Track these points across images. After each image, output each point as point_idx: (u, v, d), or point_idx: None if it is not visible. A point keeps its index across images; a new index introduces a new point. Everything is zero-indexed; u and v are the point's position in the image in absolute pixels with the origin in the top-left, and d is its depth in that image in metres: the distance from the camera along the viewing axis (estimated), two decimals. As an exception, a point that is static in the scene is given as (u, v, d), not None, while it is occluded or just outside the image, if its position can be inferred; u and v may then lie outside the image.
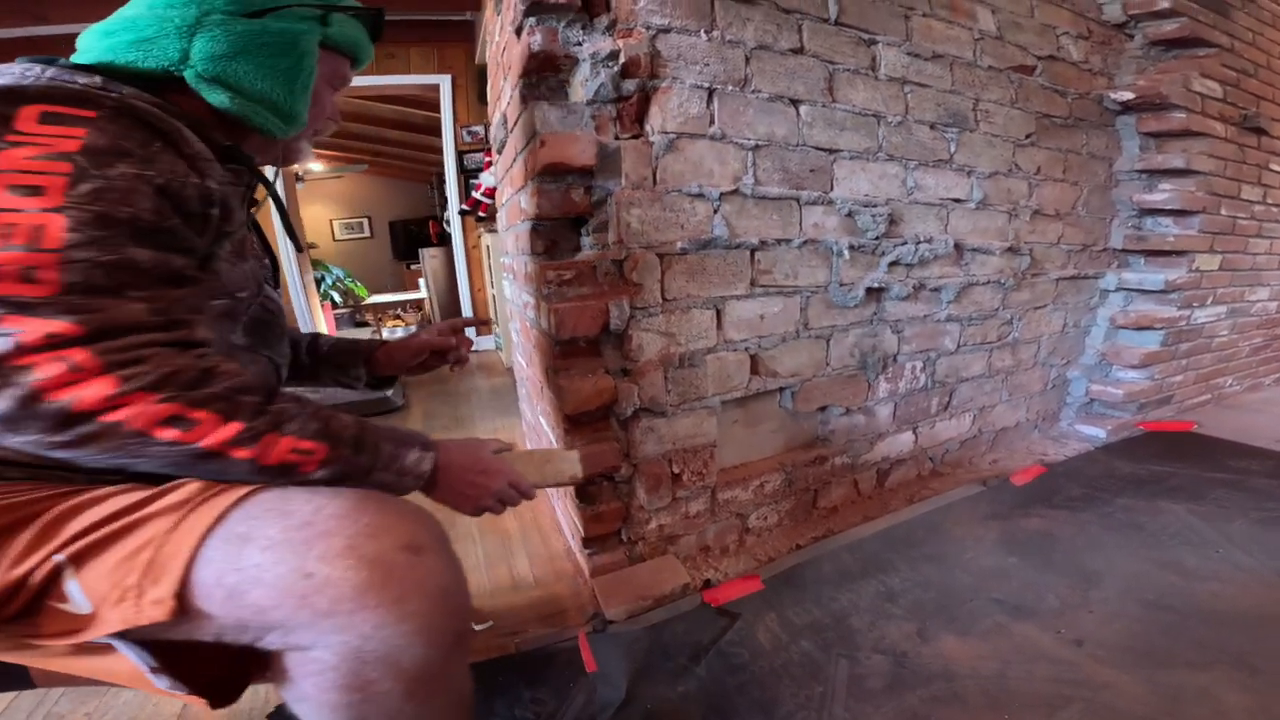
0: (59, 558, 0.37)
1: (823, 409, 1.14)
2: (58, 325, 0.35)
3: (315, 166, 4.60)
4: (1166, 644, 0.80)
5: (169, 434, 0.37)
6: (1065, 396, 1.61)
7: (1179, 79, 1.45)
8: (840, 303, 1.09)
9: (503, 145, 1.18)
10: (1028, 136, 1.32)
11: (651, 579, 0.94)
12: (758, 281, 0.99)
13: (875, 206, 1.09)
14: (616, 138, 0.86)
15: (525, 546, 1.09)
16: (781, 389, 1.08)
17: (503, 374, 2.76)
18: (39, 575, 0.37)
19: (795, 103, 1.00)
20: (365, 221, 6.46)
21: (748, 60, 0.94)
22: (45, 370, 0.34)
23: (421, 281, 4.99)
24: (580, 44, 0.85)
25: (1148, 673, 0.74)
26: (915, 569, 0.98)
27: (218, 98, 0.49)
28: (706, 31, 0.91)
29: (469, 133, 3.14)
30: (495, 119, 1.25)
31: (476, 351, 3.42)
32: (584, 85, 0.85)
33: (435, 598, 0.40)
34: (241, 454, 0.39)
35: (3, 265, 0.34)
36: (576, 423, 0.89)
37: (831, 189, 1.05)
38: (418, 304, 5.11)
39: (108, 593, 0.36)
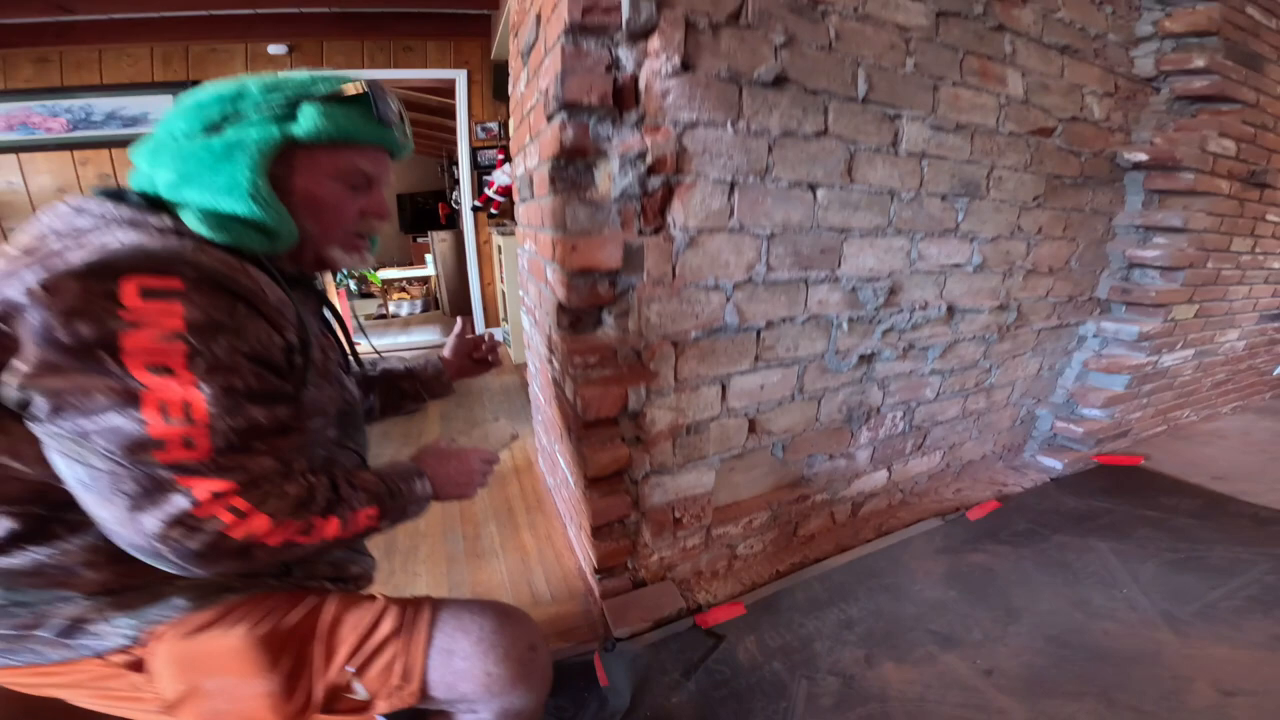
0: (350, 669, 0.57)
1: (809, 456, 1.29)
2: (219, 484, 0.45)
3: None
4: (1055, 676, 0.98)
5: (304, 539, 0.51)
6: (1032, 431, 1.76)
7: (1196, 139, 1.47)
8: (834, 369, 1.20)
9: (527, 198, 1.22)
10: (1035, 199, 1.36)
11: (653, 602, 1.13)
12: (761, 357, 1.10)
13: (878, 280, 1.18)
14: (640, 232, 0.94)
15: (542, 564, 1.28)
16: (774, 444, 1.22)
17: (511, 371, 2.88)
18: (343, 680, 0.57)
19: (813, 187, 1.05)
20: (375, 194, 6.40)
21: (770, 149, 0.99)
22: (222, 519, 0.45)
23: (429, 258, 5.02)
24: (610, 139, 0.91)
25: (1034, 701, 0.94)
26: (873, 599, 1.18)
27: (202, 230, 0.50)
28: (733, 123, 0.95)
29: (483, 129, 3.13)
30: (520, 173, 1.29)
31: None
32: (612, 180, 0.91)
33: (542, 679, 0.65)
34: (343, 534, 0.54)
35: (171, 436, 0.43)
36: (595, 481, 1.04)
37: (839, 266, 1.13)
38: (424, 280, 5.16)
39: (379, 689, 0.58)
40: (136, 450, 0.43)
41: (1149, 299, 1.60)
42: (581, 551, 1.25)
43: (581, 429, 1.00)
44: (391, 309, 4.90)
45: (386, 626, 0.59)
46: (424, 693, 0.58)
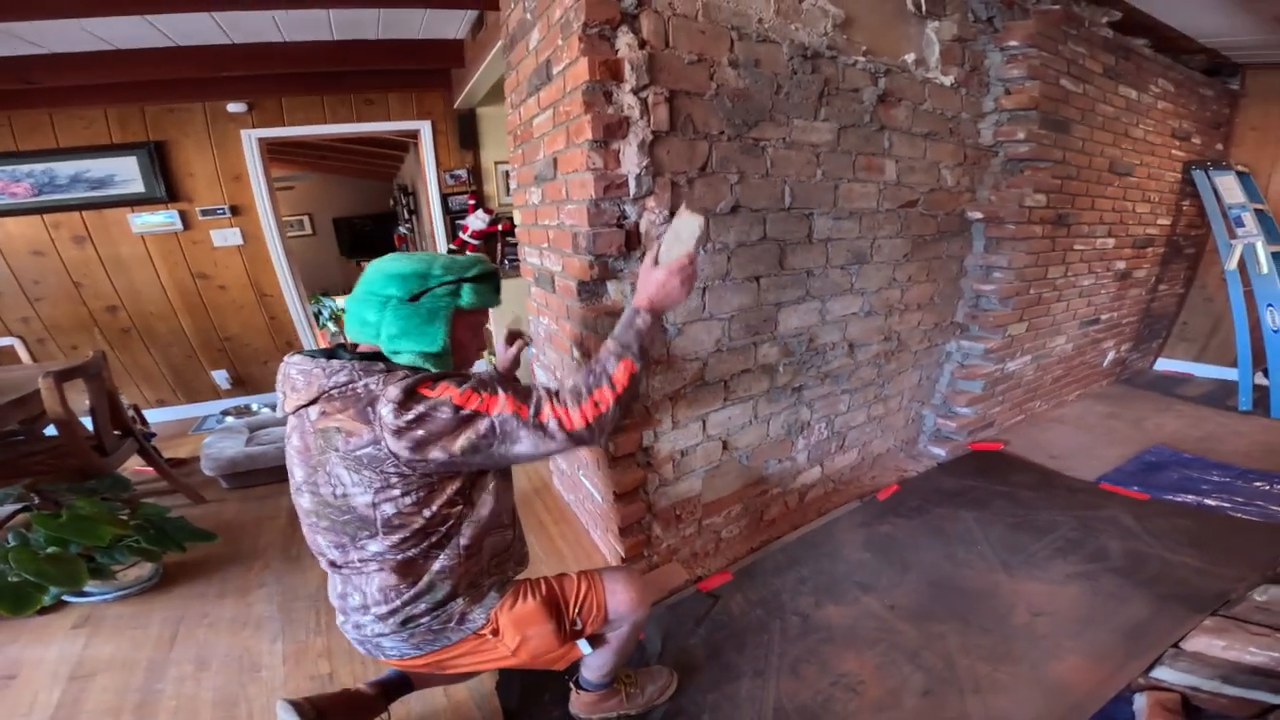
0: (576, 611, 0.96)
1: (765, 461, 1.77)
2: (547, 411, 0.78)
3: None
4: (932, 607, 1.47)
5: (601, 409, 0.80)
6: (922, 427, 2.35)
7: (1016, 195, 2.07)
8: (776, 399, 1.70)
9: (548, 291, 1.63)
10: (904, 255, 1.89)
11: (666, 578, 1.56)
12: (728, 398, 1.57)
13: (801, 334, 1.68)
14: (646, 326, 1.38)
15: (576, 563, 1.68)
16: (740, 456, 1.69)
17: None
18: (572, 618, 0.96)
19: (757, 278, 1.53)
20: (305, 219, 6.45)
21: (729, 259, 1.46)
22: (565, 420, 0.78)
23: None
24: (622, 270, 1.34)
25: (919, 624, 1.42)
26: (817, 562, 1.67)
27: (405, 360, 0.82)
28: (703, 248, 1.42)
29: (451, 176, 3.33)
30: (539, 270, 1.70)
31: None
32: (623, 296, 1.35)
33: (649, 602, 1.05)
34: (624, 386, 0.82)
35: (515, 410, 0.77)
36: (620, 495, 1.46)
37: (776, 329, 1.62)
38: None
39: (588, 620, 0.97)
40: (516, 424, 0.77)
41: (990, 322, 2.22)
42: (608, 548, 1.66)
43: (611, 461, 1.42)
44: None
45: (584, 587, 0.98)
46: (606, 618, 0.98)
